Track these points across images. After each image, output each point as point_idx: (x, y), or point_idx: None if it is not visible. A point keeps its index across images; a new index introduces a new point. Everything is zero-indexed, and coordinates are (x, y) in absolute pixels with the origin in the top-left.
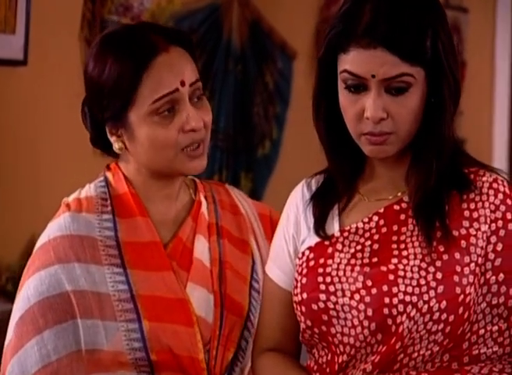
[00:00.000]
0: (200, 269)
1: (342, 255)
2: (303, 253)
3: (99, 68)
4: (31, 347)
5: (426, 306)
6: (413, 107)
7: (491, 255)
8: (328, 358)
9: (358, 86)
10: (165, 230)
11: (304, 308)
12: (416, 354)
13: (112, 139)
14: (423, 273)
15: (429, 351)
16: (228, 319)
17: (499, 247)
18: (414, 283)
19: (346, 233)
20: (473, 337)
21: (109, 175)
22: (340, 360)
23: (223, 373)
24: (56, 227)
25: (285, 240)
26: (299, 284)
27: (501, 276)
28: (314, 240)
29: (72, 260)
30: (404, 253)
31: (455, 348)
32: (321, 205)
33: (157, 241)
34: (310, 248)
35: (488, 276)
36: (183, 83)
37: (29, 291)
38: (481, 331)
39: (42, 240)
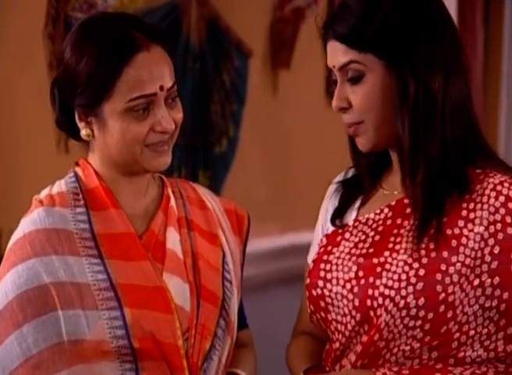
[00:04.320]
0: (174, 259)
1: (347, 244)
2: (321, 240)
3: (77, 56)
4: (11, 342)
5: (403, 301)
6: (368, 94)
7: (487, 258)
8: (328, 346)
9: (336, 78)
10: (137, 222)
11: (307, 293)
12: (397, 349)
13: (81, 125)
14: (406, 269)
15: (409, 347)
16: (204, 307)
17: (497, 250)
18: (396, 277)
19: (357, 223)
20: (462, 338)
21: (79, 170)
22: (335, 347)
23: (201, 362)
24: (30, 222)
25: (321, 228)
26: (308, 269)
27: (496, 279)
28: (332, 229)
29: (50, 253)
30: (397, 247)
31: (443, 346)
32: (347, 194)
33: (131, 232)
34: (326, 235)
35: (483, 279)
36: (161, 88)
37: (6, 287)
38: (472, 332)
39: (16, 236)
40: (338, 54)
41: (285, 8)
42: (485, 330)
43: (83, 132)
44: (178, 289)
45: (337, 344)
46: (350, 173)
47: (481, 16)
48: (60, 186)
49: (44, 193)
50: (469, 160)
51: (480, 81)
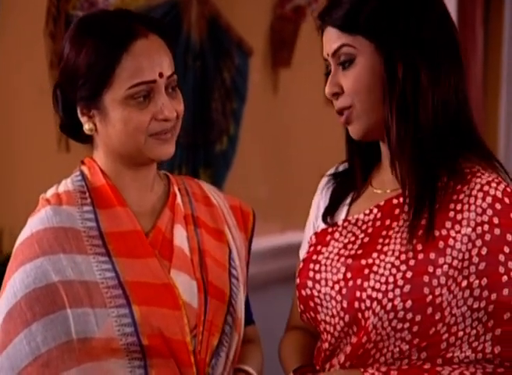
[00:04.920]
0: (181, 256)
1: (336, 244)
2: (310, 238)
3: (76, 49)
4: (20, 341)
5: (390, 304)
6: (359, 77)
7: (475, 259)
8: (320, 344)
9: (330, 68)
10: (143, 220)
11: (297, 293)
12: (385, 350)
13: (83, 119)
14: (394, 271)
15: (398, 349)
16: (211, 304)
17: (484, 251)
18: (383, 280)
19: (346, 223)
20: (451, 339)
21: (85, 169)
22: (325, 347)
23: (209, 358)
24: (38, 221)
25: (312, 225)
26: (298, 269)
27: (484, 280)
28: (322, 225)
29: (58, 251)
30: (385, 248)
31: (431, 347)
32: (338, 191)
33: (138, 229)
34: (316, 234)
35: (471, 280)
36: (161, 75)
37: (15, 286)
38: (460, 333)
39: (24, 235)
40: (331, 40)
41: (285, 7)
42: (474, 332)
43: (86, 126)
44: (185, 286)
45: (326, 345)
46: (341, 168)
47: (480, 15)
48: (66, 185)
49: (50, 192)
50: (459, 152)
51: (480, 80)
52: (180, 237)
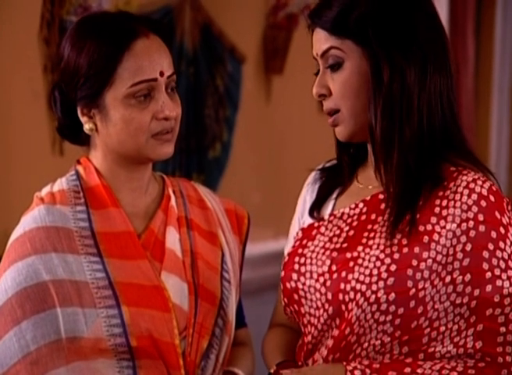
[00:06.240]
0: (172, 258)
1: (322, 238)
2: (297, 233)
3: (77, 49)
4: (9, 338)
5: (374, 296)
6: (346, 82)
7: (459, 255)
8: (301, 341)
9: (319, 67)
10: (136, 221)
11: (282, 286)
12: (367, 344)
13: (83, 119)
14: (378, 264)
15: (379, 342)
16: (202, 306)
17: (469, 247)
18: (367, 272)
19: (332, 218)
20: (433, 333)
21: (80, 168)
22: (307, 341)
23: (198, 360)
24: (31, 220)
25: (298, 221)
26: (283, 262)
27: (468, 276)
28: (308, 221)
29: (49, 250)
30: (370, 242)
31: (413, 341)
32: (325, 186)
33: (131, 230)
34: (302, 229)
35: (455, 276)
36: (161, 74)
37: (6, 284)
38: (442, 328)
39: (17, 233)
40: (320, 41)
41: (278, 15)
42: (456, 327)
43: (87, 126)
44: (176, 288)
45: (309, 338)
46: (328, 164)
47: (472, 24)
48: (61, 184)
49: (45, 190)
50: (444, 154)
51: (471, 88)
52: (173, 239)
